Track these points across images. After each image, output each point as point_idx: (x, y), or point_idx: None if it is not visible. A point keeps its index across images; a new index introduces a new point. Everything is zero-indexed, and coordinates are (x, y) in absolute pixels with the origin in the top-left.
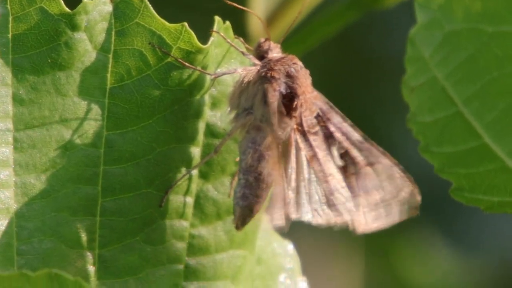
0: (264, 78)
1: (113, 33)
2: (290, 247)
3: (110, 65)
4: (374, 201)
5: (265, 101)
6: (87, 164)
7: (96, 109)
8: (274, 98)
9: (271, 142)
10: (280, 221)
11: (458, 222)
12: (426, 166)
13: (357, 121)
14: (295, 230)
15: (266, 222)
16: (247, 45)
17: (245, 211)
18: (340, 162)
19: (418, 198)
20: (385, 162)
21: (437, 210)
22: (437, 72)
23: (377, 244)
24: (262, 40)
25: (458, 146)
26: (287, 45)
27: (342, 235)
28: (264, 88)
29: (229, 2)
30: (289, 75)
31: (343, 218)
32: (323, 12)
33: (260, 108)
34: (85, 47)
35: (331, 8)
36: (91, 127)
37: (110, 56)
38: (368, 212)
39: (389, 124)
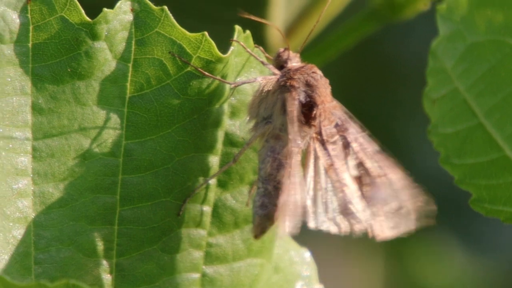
0: (283, 87)
1: (133, 42)
2: (307, 255)
3: (129, 74)
4: (390, 210)
5: (284, 110)
6: (106, 173)
7: (115, 118)
8: (293, 107)
9: (290, 151)
10: (294, 229)
11: (473, 226)
12: (444, 173)
13: (375, 131)
14: (311, 238)
15: (283, 231)
16: (267, 55)
17: (264, 220)
18: (356, 172)
19: (434, 207)
20: (399, 173)
21: (453, 214)
22: (459, 84)
23: (394, 250)
24: (282, 49)
25: (479, 157)
26: (305, 57)
27: (359, 241)
28: (283, 97)
29: (248, 16)
30: (308, 84)
31: (360, 226)
32: (342, 25)
33: (279, 117)
34: (105, 56)
35: (350, 20)
36: (110, 136)
37: (130, 65)
38: (384, 220)
39: (406, 134)
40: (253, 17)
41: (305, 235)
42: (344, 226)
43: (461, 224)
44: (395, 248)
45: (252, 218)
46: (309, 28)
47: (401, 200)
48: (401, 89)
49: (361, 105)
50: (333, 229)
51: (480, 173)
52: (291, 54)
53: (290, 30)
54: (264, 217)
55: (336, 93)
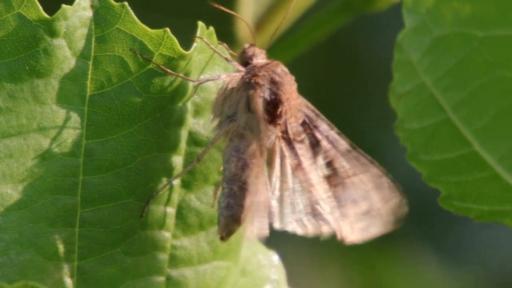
0: (248, 85)
1: (93, 39)
2: (275, 258)
3: (90, 72)
4: (361, 211)
5: (248, 108)
6: (66, 174)
7: (75, 117)
8: (258, 105)
9: (255, 150)
10: (263, 230)
11: (447, 234)
12: (415, 175)
13: (345, 128)
14: (280, 240)
15: (250, 232)
16: (231, 51)
17: (230, 221)
18: (325, 171)
19: (405, 209)
20: (373, 171)
21: (426, 221)
22: (426, 78)
23: (363, 254)
24: (247, 46)
25: (447, 153)
26: (275, 50)
27: (328, 245)
28: (247, 94)
29: (216, 5)
30: (273, 81)
31: (329, 228)
32: (312, 17)
33: (244, 115)
34: (64, 54)
35: (321, 12)
36: (70, 135)
37: (90, 62)
38: (355, 222)
39: (377, 131)
40: (222, 8)
41: (273, 237)
42: (311, 228)
43: (433, 230)
44: (364, 249)
45: (218, 219)
46: (278, 21)
47: (372, 201)
48: (372, 84)
49: (331, 101)
50: (300, 230)
51: (449, 170)
52: (257, 50)
53: (260, 24)
54: (230, 218)
55: (306, 89)
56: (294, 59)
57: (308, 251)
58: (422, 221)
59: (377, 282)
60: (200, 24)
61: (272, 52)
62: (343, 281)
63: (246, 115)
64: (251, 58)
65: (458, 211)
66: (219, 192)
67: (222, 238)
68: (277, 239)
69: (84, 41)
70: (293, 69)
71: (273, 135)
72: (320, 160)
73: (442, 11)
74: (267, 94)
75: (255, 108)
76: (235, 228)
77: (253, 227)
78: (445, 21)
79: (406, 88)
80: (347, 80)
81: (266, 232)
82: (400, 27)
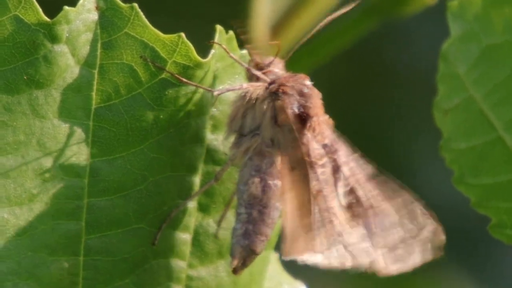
0: (274, 95)
1: (99, 45)
2: None
3: (95, 82)
4: (393, 241)
5: (275, 121)
6: (69, 197)
7: (79, 133)
8: (290, 116)
9: (282, 169)
10: (296, 255)
11: (488, 261)
12: (455, 197)
13: (374, 148)
14: (307, 269)
15: (274, 261)
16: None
17: (246, 251)
18: (349, 199)
19: (443, 237)
20: (404, 197)
21: (465, 248)
22: (474, 92)
23: (397, 286)
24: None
25: (498, 176)
26: (290, 61)
27: (360, 275)
28: (274, 105)
29: (235, 23)
30: (302, 93)
31: (357, 260)
32: (335, 22)
33: (269, 129)
34: (67, 62)
35: (344, 16)
36: (73, 153)
37: (96, 71)
38: (387, 253)
39: (411, 152)
40: (237, 24)
41: (299, 266)
42: (339, 259)
43: (474, 257)
44: (397, 281)
45: (231, 249)
46: (298, 26)
47: (405, 229)
48: (405, 99)
49: (356, 118)
50: (327, 262)
51: (500, 194)
52: (276, 59)
53: (276, 31)
54: (247, 248)
55: (326, 103)
56: (312, 71)
57: (339, 281)
58: (464, 249)
59: None
60: (219, 28)
61: (290, 61)
62: None
63: (272, 129)
64: (268, 66)
65: (510, 240)
66: (224, 218)
67: (235, 270)
68: (303, 267)
69: (88, 47)
70: (312, 81)
71: (297, 155)
72: (342, 187)
73: (492, 17)
74: (295, 106)
75: (284, 121)
76: (251, 258)
77: (284, 252)
78: (496, 29)
79: (453, 103)
80: (374, 95)
81: (298, 257)
82: (434, 34)
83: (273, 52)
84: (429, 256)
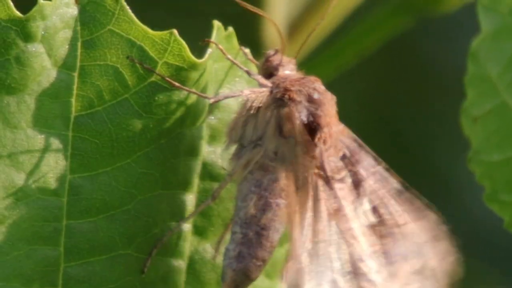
0: (280, 101)
1: (79, 44)
2: None
3: (75, 87)
4: (412, 271)
5: (280, 131)
6: (46, 218)
7: (56, 145)
8: (295, 126)
9: (284, 186)
10: (298, 284)
11: None
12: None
13: (408, 160)
14: None
15: None
16: (252, 59)
17: (239, 276)
18: (371, 219)
19: (460, 269)
20: (430, 218)
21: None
22: (508, 97)
23: None
24: (271, 52)
25: None
26: (315, 62)
27: None
28: (280, 113)
29: (242, 3)
30: (311, 99)
31: None
32: (363, 19)
33: (273, 140)
34: (42, 63)
35: (373, 13)
36: (50, 169)
37: (75, 74)
38: (405, 284)
39: (446, 163)
40: (246, 6)
41: None
42: None
43: None
44: None
45: (223, 273)
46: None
47: (425, 258)
48: (442, 104)
49: (386, 125)
50: None
51: None
52: (285, 59)
53: (294, 28)
54: (240, 272)
55: (353, 111)
56: (339, 74)
57: None
58: (507, 271)
59: None
60: (216, 24)
61: (311, 65)
62: None
63: (277, 140)
64: (276, 68)
65: None
66: (222, 239)
67: None
68: None
69: (67, 46)
70: (338, 86)
71: (306, 170)
72: (365, 205)
73: None
74: (304, 115)
75: (290, 131)
76: (244, 285)
77: (288, 280)
78: None
79: (484, 109)
80: (408, 99)
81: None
82: (476, 32)
83: (284, 51)
84: None
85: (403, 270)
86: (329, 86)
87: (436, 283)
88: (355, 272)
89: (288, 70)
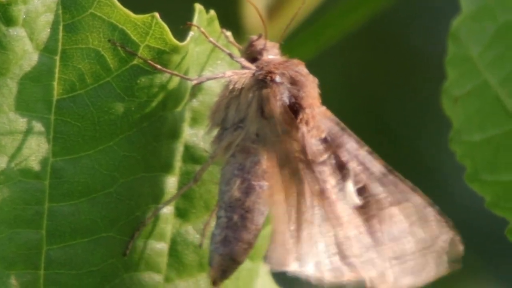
0: (262, 83)
1: (60, 28)
2: None
3: (57, 70)
4: (402, 251)
5: (262, 112)
6: (27, 201)
7: (38, 128)
8: (276, 107)
9: (269, 167)
10: (285, 266)
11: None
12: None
13: (391, 142)
14: (301, 283)
15: (263, 274)
16: (235, 43)
17: (226, 261)
18: (357, 200)
19: (460, 247)
20: (416, 200)
21: (493, 253)
22: (489, 76)
23: None
24: (255, 37)
25: None
26: (294, 43)
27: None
28: (261, 95)
29: None
30: (294, 81)
31: (359, 274)
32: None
33: (255, 121)
34: (24, 47)
35: None
36: (32, 152)
37: (57, 58)
38: (395, 265)
39: (428, 145)
40: None
41: (293, 279)
42: (334, 273)
43: (504, 264)
44: None
45: (209, 257)
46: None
47: (418, 238)
48: (424, 85)
49: (368, 106)
50: (321, 276)
51: None
52: (268, 43)
53: (274, 10)
54: (227, 257)
55: (334, 92)
56: (318, 54)
57: None
58: (487, 255)
59: None
60: (198, 7)
61: (289, 45)
62: None
63: (259, 121)
64: (260, 53)
65: None
66: (208, 225)
67: (215, 283)
68: (297, 281)
69: (49, 30)
70: (317, 68)
71: (288, 152)
72: (349, 187)
73: None
74: (285, 96)
75: (272, 112)
76: (232, 269)
77: (270, 262)
78: None
79: (464, 89)
80: (390, 80)
81: (285, 268)
82: (457, 11)
83: (267, 35)
84: (444, 269)
85: (388, 252)
86: (310, 67)
87: (431, 263)
88: (339, 253)
89: (272, 55)
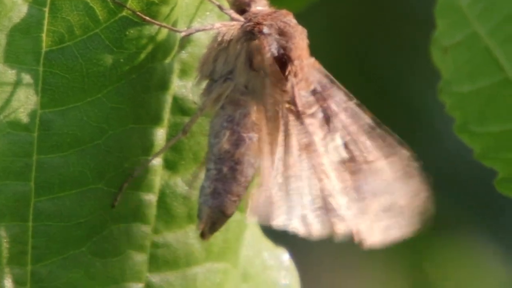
0: (250, 34)
1: None
2: (285, 257)
3: (46, 22)
4: (381, 207)
5: (250, 63)
6: (16, 153)
7: (27, 80)
8: (265, 58)
9: (256, 120)
10: (267, 218)
11: (507, 218)
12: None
13: (380, 94)
14: (290, 235)
15: (252, 226)
16: None
17: (215, 213)
18: (343, 154)
19: (432, 207)
20: (402, 154)
21: (482, 204)
22: (479, 27)
23: (402, 252)
24: None
25: (507, 124)
26: None
27: (348, 243)
28: (250, 46)
29: None
30: (282, 32)
31: (345, 227)
32: None
33: (244, 73)
34: None
35: None
36: (20, 103)
37: (46, 9)
38: (376, 221)
39: (423, 96)
40: None
41: (281, 231)
42: (320, 226)
43: (492, 215)
44: (403, 247)
45: (198, 209)
46: None
47: (395, 195)
48: (412, 36)
49: (358, 59)
50: (306, 229)
51: (509, 145)
52: None
53: None
54: (216, 209)
55: (323, 45)
56: (307, 6)
57: (327, 247)
58: (477, 207)
59: (422, 282)
60: None
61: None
62: (374, 284)
63: (247, 73)
64: (249, 4)
65: None
66: (198, 175)
67: (203, 235)
68: (286, 233)
69: None
70: (305, 20)
71: (277, 104)
72: (337, 140)
73: None
74: (274, 47)
75: (260, 64)
76: (221, 221)
77: (254, 213)
78: None
79: (454, 39)
80: (378, 32)
81: (271, 221)
82: None
83: None
84: (417, 227)
85: (374, 206)
86: (298, 19)
87: (407, 220)
88: (325, 207)
89: (260, 6)
